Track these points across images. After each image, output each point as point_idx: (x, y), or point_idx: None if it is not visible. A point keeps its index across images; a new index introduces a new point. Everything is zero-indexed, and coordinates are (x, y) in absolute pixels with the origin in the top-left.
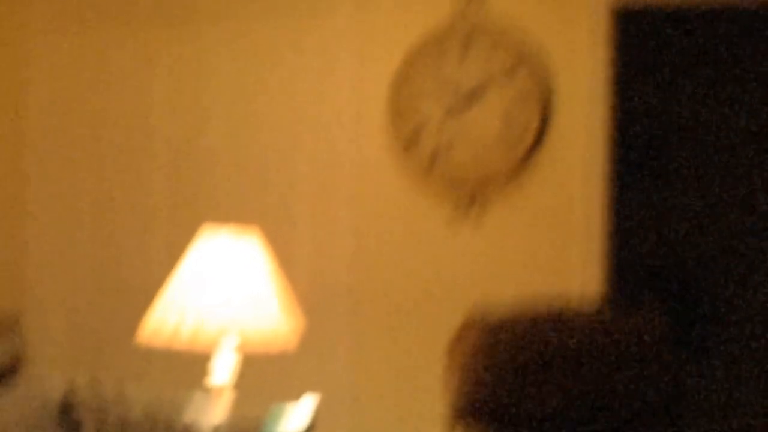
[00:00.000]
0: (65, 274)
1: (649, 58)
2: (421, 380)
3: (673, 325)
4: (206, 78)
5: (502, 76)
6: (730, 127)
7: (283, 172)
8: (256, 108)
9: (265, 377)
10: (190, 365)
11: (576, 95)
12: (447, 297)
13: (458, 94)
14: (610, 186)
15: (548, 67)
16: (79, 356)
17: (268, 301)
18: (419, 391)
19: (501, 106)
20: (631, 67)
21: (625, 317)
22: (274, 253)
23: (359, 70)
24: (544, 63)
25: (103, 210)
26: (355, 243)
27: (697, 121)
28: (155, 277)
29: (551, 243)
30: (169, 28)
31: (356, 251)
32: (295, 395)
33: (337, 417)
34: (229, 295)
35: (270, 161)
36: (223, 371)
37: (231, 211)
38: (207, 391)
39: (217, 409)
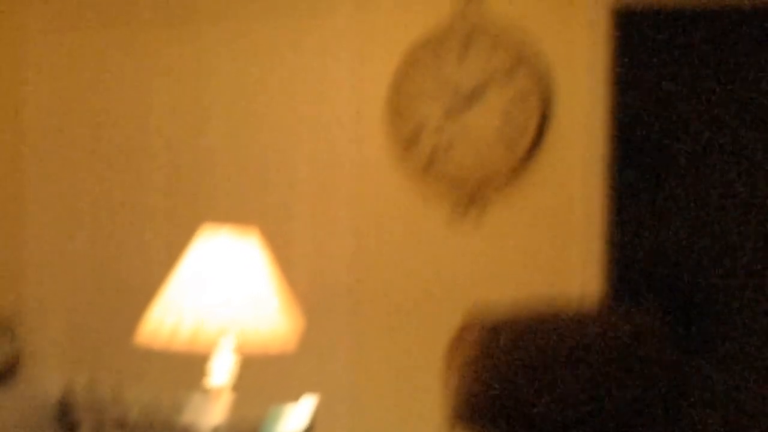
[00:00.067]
0: (64, 274)
1: (649, 58)
2: (420, 381)
3: (673, 325)
4: (205, 78)
5: (501, 76)
6: (730, 127)
7: (283, 172)
8: (256, 108)
9: (264, 378)
10: (188, 366)
11: (576, 95)
12: (446, 297)
13: (458, 94)
14: (610, 186)
15: (548, 67)
16: (78, 357)
17: (267, 301)
18: (419, 392)
19: (500, 106)
20: (630, 67)
21: (625, 317)
22: (273, 253)
23: (359, 70)
24: (544, 63)
25: (102, 210)
26: (354, 243)
27: (697, 121)
28: (154, 277)
29: (551, 243)
30: (168, 28)
31: (356, 251)
32: (294, 396)
33: (337, 418)
34: (228, 295)
35: (269, 161)
36: (221, 372)
37: (230, 211)
38: (206, 391)
39: (216, 410)
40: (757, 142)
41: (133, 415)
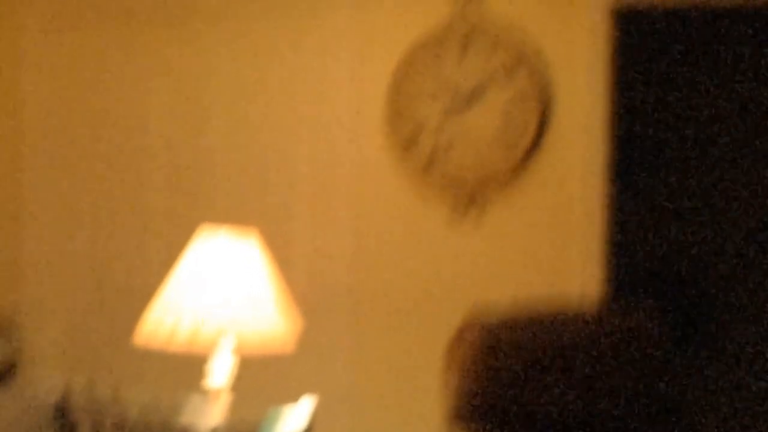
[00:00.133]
0: (62, 275)
1: (648, 58)
2: (420, 381)
3: (672, 325)
4: (205, 78)
5: (501, 76)
6: (730, 127)
7: (282, 172)
8: (255, 108)
9: (263, 379)
10: (187, 367)
11: (575, 95)
12: (446, 298)
13: (457, 94)
14: (609, 186)
15: (547, 67)
16: (77, 357)
17: (266, 302)
18: (418, 392)
19: (500, 106)
20: (630, 67)
21: (625, 317)
22: (272, 253)
23: (358, 70)
24: (544, 63)
25: (101, 211)
26: (354, 243)
27: (697, 121)
28: (153, 278)
29: (551, 243)
30: (167, 28)
31: (355, 252)
32: (294, 397)
33: (336, 419)
34: (227, 296)
35: (269, 161)
36: (220, 373)
37: (229, 212)
38: (204, 393)
39: (215, 412)
40: (758, 142)
41: (131, 416)
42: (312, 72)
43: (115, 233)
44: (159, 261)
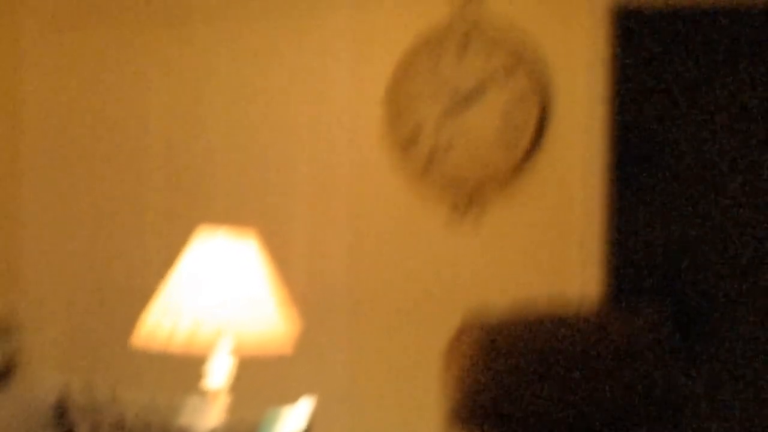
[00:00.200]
0: (61, 276)
1: (648, 58)
2: (418, 382)
3: (672, 326)
4: (203, 78)
5: (500, 76)
6: (730, 127)
7: (281, 173)
8: (254, 108)
9: (262, 380)
10: (185, 368)
11: (575, 95)
12: (445, 299)
13: (456, 94)
14: (609, 186)
15: (547, 67)
16: (75, 359)
17: (264, 303)
18: (417, 393)
19: (499, 106)
20: (629, 67)
21: (625, 319)
22: (270, 254)
23: (357, 71)
24: (543, 63)
25: (99, 212)
26: (353, 244)
27: (696, 121)
28: (151, 279)
29: (550, 244)
30: (166, 28)
31: (354, 252)
32: (292, 398)
33: (334, 420)
34: (226, 297)
35: (267, 162)
36: (219, 374)
37: (228, 212)
38: (203, 394)
39: (213, 413)
40: (758, 142)
41: (130, 417)
42: (311, 72)
43: (113, 234)
44: (158, 262)
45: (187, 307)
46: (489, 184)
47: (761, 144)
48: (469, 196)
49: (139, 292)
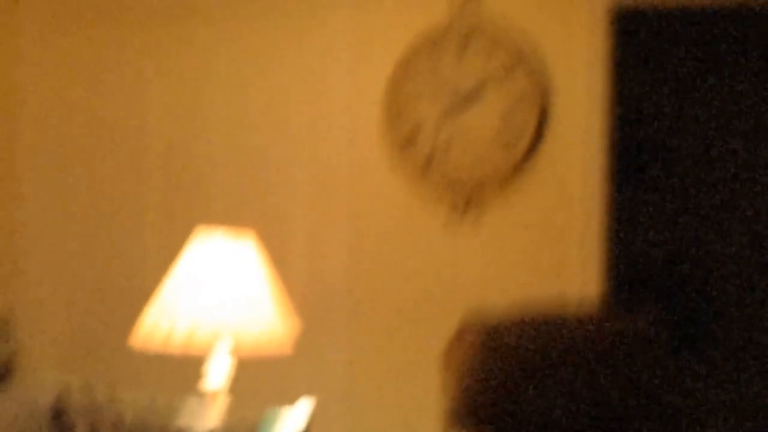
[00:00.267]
0: (59, 276)
1: (647, 58)
2: (418, 382)
3: (672, 326)
4: (201, 79)
5: (500, 76)
6: (729, 127)
7: (279, 173)
8: (252, 109)
9: (261, 381)
10: (184, 369)
11: (574, 95)
12: (444, 299)
13: (456, 94)
14: (609, 186)
15: (546, 68)
16: (73, 359)
17: (263, 303)
18: (417, 394)
19: (499, 106)
20: (629, 67)
21: (624, 319)
22: (269, 255)
23: (356, 71)
24: (542, 63)
25: (97, 212)
26: (351, 244)
27: (696, 121)
28: (149, 279)
29: (550, 244)
30: (165, 28)
31: (353, 253)
32: (291, 399)
33: (333, 421)
34: (224, 297)
35: (266, 162)
36: (217, 375)
37: (226, 213)
38: (201, 395)
39: (212, 414)
40: (757, 142)
41: (128, 418)
42: (311, 72)
43: (112, 234)
44: (156, 262)
45: (186, 307)
46: (488, 185)
47: (761, 144)
48: (468, 197)
49: (138, 292)
